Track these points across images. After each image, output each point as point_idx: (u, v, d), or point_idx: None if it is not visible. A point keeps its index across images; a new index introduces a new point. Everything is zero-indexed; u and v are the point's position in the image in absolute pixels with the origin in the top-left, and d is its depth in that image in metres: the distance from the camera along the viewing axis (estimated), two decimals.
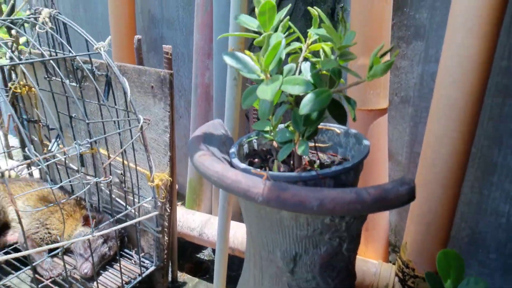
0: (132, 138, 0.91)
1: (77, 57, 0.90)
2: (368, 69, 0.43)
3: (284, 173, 0.47)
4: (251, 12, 0.94)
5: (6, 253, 1.11)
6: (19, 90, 1.16)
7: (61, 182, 1.26)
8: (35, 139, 1.25)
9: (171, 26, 1.29)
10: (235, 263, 1.15)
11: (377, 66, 0.41)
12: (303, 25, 0.97)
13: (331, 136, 0.59)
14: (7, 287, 1.08)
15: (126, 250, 1.10)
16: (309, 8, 0.51)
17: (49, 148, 1.14)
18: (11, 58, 1.14)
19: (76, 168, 1.16)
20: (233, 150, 0.59)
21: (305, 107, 0.43)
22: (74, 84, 1.02)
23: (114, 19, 1.22)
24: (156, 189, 0.95)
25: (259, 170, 0.49)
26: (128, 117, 0.92)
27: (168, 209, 0.99)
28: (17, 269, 1.10)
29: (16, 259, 1.12)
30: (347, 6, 0.90)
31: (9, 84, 1.16)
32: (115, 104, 0.94)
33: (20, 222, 0.74)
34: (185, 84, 1.33)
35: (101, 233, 0.80)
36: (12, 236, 1.14)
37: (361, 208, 0.35)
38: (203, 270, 1.23)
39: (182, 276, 1.16)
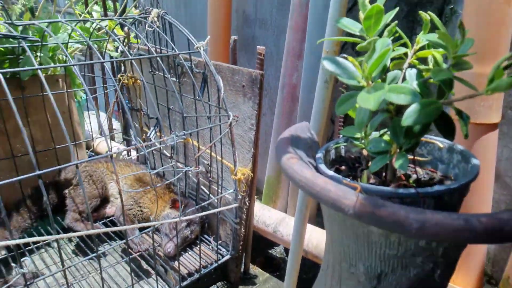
0: (221, 133, 0.96)
1: (179, 54, 0.97)
2: (488, 82, 0.39)
3: (378, 187, 0.44)
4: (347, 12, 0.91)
5: (105, 224, 1.27)
6: (126, 81, 1.30)
7: (154, 166, 1.39)
8: (136, 125, 1.39)
9: (263, 26, 1.32)
10: (306, 265, 1.14)
11: (501, 80, 0.37)
12: (405, 27, 0.91)
13: (431, 150, 0.55)
14: (102, 253, 1.23)
15: (205, 236, 1.17)
16: (420, 12, 0.47)
17: (148, 135, 1.26)
18: (122, 52, 1.29)
19: (168, 155, 1.27)
20: (319, 155, 0.58)
21: (408, 118, 0.40)
22: (174, 79, 1.11)
23: (212, 19, 1.29)
24: (238, 182, 0.99)
25: (348, 180, 0.48)
26: (219, 113, 0.96)
27: (247, 203, 1.02)
28: (111, 238, 1.25)
29: (109, 232, 1.28)
30: (457, 8, 0.82)
31: (118, 76, 1.31)
32: (209, 100, 1.00)
33: (121, 199, 0.84)
34: (271, 83, 1.35)
35: (188, 217, 0.86)
36: (110, 209, 1.30)
37: (469, 237, 0.31)
38: (274, 266, 1.25)
39: (253, 269, 1.20)
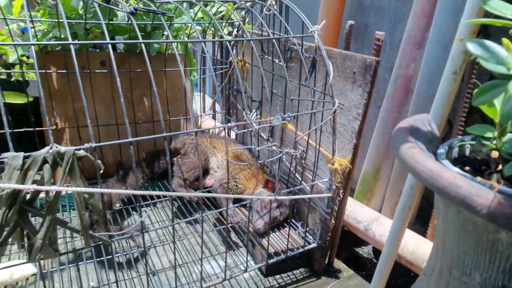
0: (322, 120, 0.95)
1: (292, 38, 0.98)
2: None
3: None
4: None
5: (203, 193, 1.38)
6: (235, 64, 1.37)
7: (250, 145, 1.45)
8: (239, 107, 1.47)
9: (379, 14, 1.25)
10: (396, 270, 1.07)
11: None
12: None
13: None
14: (199, 218, 1.33)
15: (293, 220, 1.19)
16: None
17: (250, 116, 1.32)
18: (236, 36, 1.35)
19: (265, 137, 1.31)
20: (442, 151, 0.53)
21: None
22: (281, 63, 1.13)
23: (325, 4, 1.27)
24: (334, 172, 0.97)
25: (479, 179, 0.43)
26: (324, 99, 0.95)
27: (341, 194, 0.99)
28: (207, 208, 1.35)
29: (208, 200, 1.39)
30: None
31: (230, 58, 1.38)
32: (314, 86, 0.99)
33: (227, 169, 0.89)
34: (379, 74, 1.27)
35: (282, 197, 0.88)
36: (209, 180, 1.40)
37: None
38: (359, 265, 1.20)
39: (337, 263, 1.17)
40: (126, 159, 1.39)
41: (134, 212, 1.30)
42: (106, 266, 0.97)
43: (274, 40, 0.93)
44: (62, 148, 0.61)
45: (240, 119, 1.50)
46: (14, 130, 1.10)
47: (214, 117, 2.13)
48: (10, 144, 0.58)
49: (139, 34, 0.73)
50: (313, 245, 1.06)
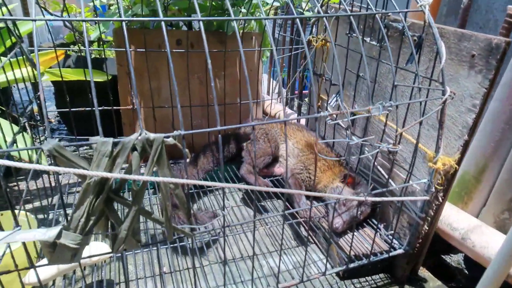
0: (423, 110, 0.82)
1: (391, 14, 0.85)
2: None
3: None
4: None
5: (272, 182, 1.31)
6: (315, 43, 1.25)
7: (324, 135, 1.34)
8: (313, 90, 1.36)
9: None
10: None
11: None
12: None
13: None
14: (264, 210, 1.28)
15: (373, 221, 1.08)
16: None
17: (329, 102, 1.21)
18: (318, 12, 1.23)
19: (344, 126, 1.20)
20: None
21: None
22: (373, 43, 0.99)
23: None
24: (434, 172, 0.83)
25: None
26: (429, 85, 0.81)
27: (440, 198, 0.86)
28: (275, 197, 1.28)
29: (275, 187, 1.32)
30: None
31: (309, 37, 1.27)
32: (416, 70, 0.85)
33: (315, 163, 0.81)
34: None
35: (374, 199, 0.78)
36: (278, 169, 1.33)
37: None
38: (447, 275, 1.07)
39: (422, 271, 1.05)
40: (197, 142, 1.36)
41: (204, 195, 1.28)
42: (180, 251, 0.95)
43: (368, 16, 0.80)
44: (151, 135, 0.56)
45: (313, 104, 1.39)
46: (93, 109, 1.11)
47: (286, 102, 2.03)
48: (100, 129, 0.55)
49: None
50: (400, 251, 0.95)
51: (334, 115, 0.71)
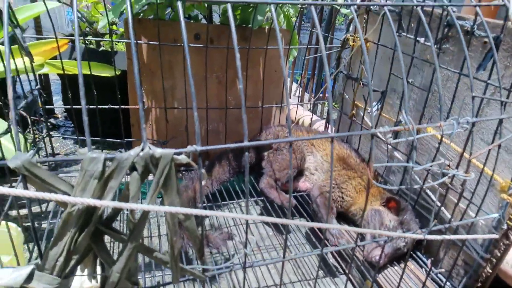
0: (497, 129, 0.65)
1: (456, 10, 0.68)
2: None
3: None
4: None
5: (295, 198, 1.16)
6: (351, 43, 1.10)
7: (358, 147, 1.18)
8: (347, 97, 1.20)
9: None
10: None
11: None
12: None
13: None
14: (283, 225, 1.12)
15: (417, 253, 0.91)
16: None
17: (368, 111, 1.05)
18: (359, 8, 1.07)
19: (384, 139, 1.03)
20: None
21: None
22: (428, 43, 0.83)
23: None
24: (509, 205, 0.67)
25: None
26: (508, 98, 0.65)
27: (511, 236, 0.69)
28: (299, 215, 1.12)
29: (301, 206, 1.16)
30: None
31: (345, 35, 1.11)
32: (489, 78, 0.68)
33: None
34: None
35: (434, 237, 0.61)
36: (303, 183, 1.17)
37: None
38: None
39: None
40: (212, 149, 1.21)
41: (217, 209, 1.14)
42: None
43: (427, 11, 0.64)
44: (157, 151, 0.41)
45: (346, 112, 1.23)
46: (98, 107, 0.98)
47: (312, 111, 1.86)
48: (88, 139, 0.41)
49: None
50: None
51: (394, 133, 0.55)
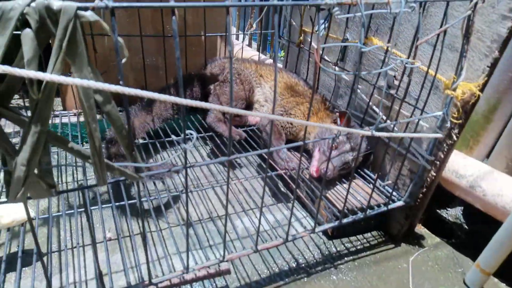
0: (443, 22, 0.63)
1: None
2: None
3: None
4: None
5: (245, 132, 1.11)
6: None
7: (307, 75, 1.15)
8: (294, 23, 1.14)
9: None
10: None
11: None
12: None
13: None
14: (238, 163, 1.08)
15: (365, 171, 0.92)
16: None
17: (316, 29, 1.01)
18: None
19: (329, 60, 1.00)
20: None
21: None
22: None
23: None
24: (451, 102, 0.67)
25: None
26: None
27: (455, 137, 0.71)
28: (251, 148, 1.08)
29: (252, 139, 1.11)
30: None
31: None
32: None
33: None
34: None
35: (382, 134, 0.60)
36: (252, 118, 1.13)
37: None
38: (444, 231, 0.94)
39: (418, 227, 0.92)
40: (151, 83, 1.12)
41: (163, 149, 1.06)
42: (128, 212, 0.74)
43: None
44: (56, 2, 0.33)
45: (294, 40, 1.18)
46: None
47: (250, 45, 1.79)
48: None
49: None
50: (399, 203, 0.80)
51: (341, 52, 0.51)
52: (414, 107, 0.73)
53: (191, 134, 0.47)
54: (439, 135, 0.69)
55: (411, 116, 0.74)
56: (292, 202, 0.64)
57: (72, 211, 0.73)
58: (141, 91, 0.38)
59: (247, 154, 0.46)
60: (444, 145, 0.72)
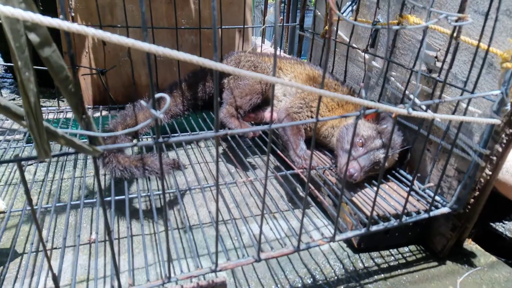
0: None
1: None
2: None
3: None
4: None
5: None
6: None
7: (333, 69, 1.03)
8: (319, 13, 1.03)
9: None
10: None
11: None
12: None
13: None
14: (252, 165, 0.97)
15: (401, 172, 0.77)
16: None
17: (342, 12, 0.89)
18: None
19: (357, 47, 0.88)
20: None
21: None
22: None
23: None
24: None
25: None
26: None
27: None
28: (262, 152, 0.96)
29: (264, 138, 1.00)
30: None
31: None
32: None
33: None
34: None
35: (422, 114, 0.46)
36: (270, 113, 1.02)
37: None
38: (499, 248, 0.76)
39: (468, 243, 0.75)
40: (163, 81, 1.05)
41: (169, 150, 0.97)
42: (113, 211, 0.64)
43: None
44: None
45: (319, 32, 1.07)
46: None
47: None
48: None
49: None
50: (444, 210, 0.64)
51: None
52: (462, 89, 0.59)
53: (163, 97, 0.37)
54: (496, 121, 0.54)
55: (458, 103, 0.60)
56: (303, 200, 0.51)
57: (62, 204, 0.65)
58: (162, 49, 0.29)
59: (243, 130, 0.35)
60: (503, 135, 0.57)
